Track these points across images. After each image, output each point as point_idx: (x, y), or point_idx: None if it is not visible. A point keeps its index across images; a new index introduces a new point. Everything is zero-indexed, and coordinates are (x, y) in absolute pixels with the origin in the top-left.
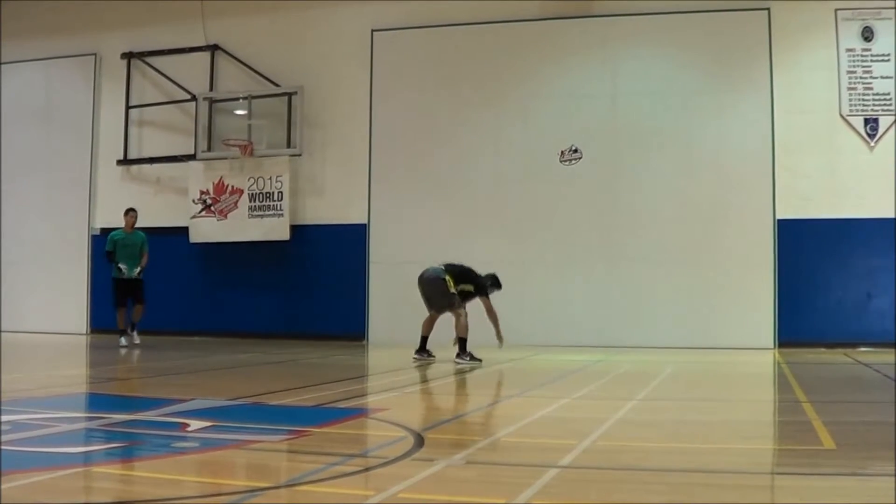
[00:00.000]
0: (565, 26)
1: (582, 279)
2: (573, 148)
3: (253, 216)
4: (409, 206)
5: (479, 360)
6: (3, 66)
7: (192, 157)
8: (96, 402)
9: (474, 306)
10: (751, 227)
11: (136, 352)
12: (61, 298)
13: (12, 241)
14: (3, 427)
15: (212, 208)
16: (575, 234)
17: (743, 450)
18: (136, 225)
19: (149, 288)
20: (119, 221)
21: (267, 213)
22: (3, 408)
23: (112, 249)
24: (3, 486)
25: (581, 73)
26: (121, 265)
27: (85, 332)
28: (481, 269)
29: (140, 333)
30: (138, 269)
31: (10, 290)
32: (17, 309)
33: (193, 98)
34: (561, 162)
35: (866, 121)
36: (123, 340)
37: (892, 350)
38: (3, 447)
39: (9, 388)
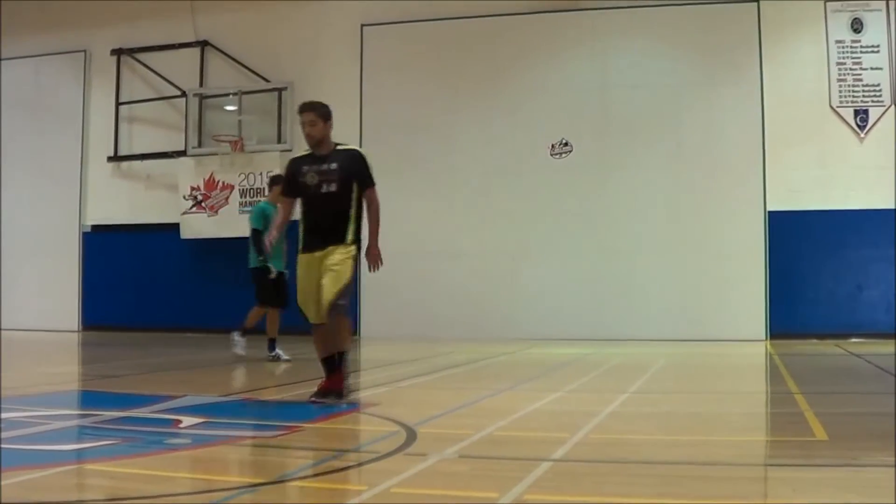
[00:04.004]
0: (555, 20)
1: (573, 272)
2: (563, 141)
3: (244, 212)
4: (400, 201)
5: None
6: None
7: (182, 153)
8: (88, 398)
9: None
10: (742, 220)
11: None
12: (52, 295)
13: (3, 238)
14: None
15: (202, 204)
16: (566, 228)
17: (735, 442)
18: (131, 220)
19: (141, 284)
20: (112, 218)
21: None
22: None
23: (263, 227)
24: None
25: (571, 66)
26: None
27: (77, 329)
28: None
29: (131, 330)
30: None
31: (2, 288)
32: (8, 306)
33: (183, 94)
34: (551, 155)
35: (856, 112)
36: (281, 353)
37: (883, 340)
38: None
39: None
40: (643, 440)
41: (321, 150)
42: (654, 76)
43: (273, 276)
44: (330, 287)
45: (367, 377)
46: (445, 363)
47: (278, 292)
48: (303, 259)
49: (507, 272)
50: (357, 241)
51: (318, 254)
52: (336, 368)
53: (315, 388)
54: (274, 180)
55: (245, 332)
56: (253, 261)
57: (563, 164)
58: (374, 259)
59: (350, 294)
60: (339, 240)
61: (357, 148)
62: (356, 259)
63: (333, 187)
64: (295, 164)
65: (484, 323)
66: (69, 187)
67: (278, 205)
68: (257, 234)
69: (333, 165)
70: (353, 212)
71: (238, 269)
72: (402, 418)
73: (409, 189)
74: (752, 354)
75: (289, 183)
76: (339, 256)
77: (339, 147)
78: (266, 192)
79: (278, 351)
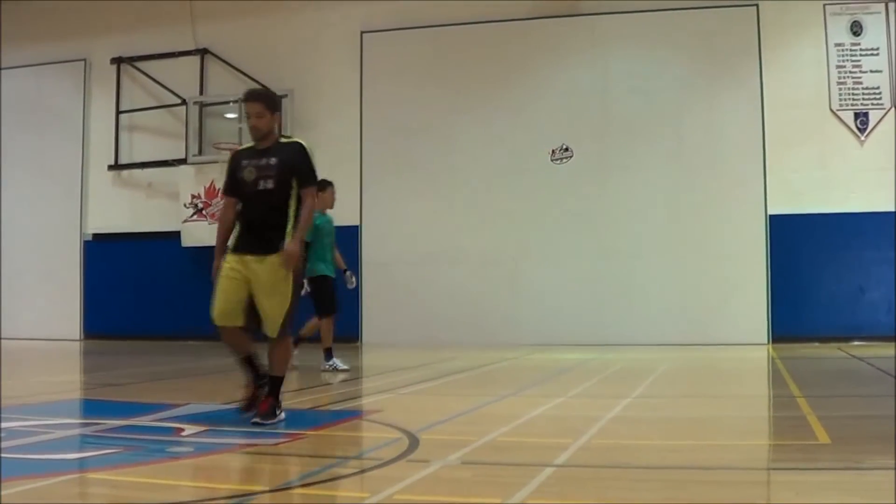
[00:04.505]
0: (555, 25)
1: (575, 277)
2: (564, 147)
3: None
4: (401, 207)
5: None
6: None
7: (183, 161)
8: (90, 407)
9: None
10: (743, 223)
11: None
12: (54, 304)
13: (4, 246)
14: None
15: (203, 212)
16: (567, 232)
17: (738, 446)
18: (132, 228)
19: (142, 292)
20: (113, 226)
21: None
22: None
23: (312, 237)
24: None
25: (572, 71)
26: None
27: (78, 338)
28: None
29: (132, 339)
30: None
31: (3, 297)
32: (8, 315)
33: (184, 102)
34: (552, 161)
35: (856, 115)
36: (339, 363)
37: (885, 343)
38: None
39: (3, 394)
40: (646, 445)
41: (265, 143)
42: (655, 80)
43: (304, 291)
44: (278, 309)
45: (369, 384)
46: (447, 369)
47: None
48: (231, 260)
49: (508, 276)
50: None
51: (250, 258)
52: (269, 393)
53: (245, 400)
54: (319, 186)
55: (330, 353)
56: (310, 271)
57: (564, 169)
58: (288, 257)
59: (293, 313)
60: (275, 248)
61: (300, 141)
62: (301, 272)
63: (270, 184)
64: (235, 159)
65: (485, 326)
66: (70, 196)
67: (323, 210)
68: (306, 244)
69: (273, 160)
70: (292, 212)
71: None
72: (404, 425)
73: (409, 193)
74: (753, 358)
75: (231, 178)
76: (279, 274)
77: (282, 140)
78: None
79: (335, 360)
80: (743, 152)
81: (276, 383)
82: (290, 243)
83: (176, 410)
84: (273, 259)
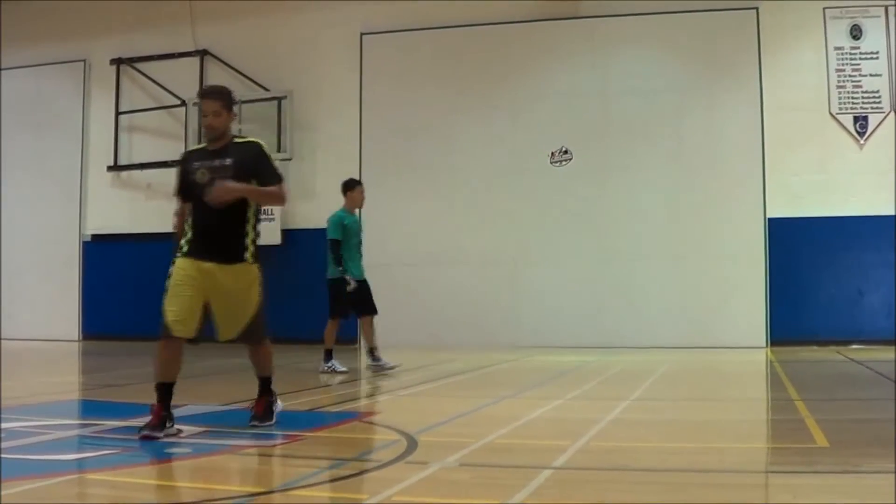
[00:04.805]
0: (554, 28)
1: (574, 279)
2: (563, 149)
3: None
4: (401, 209)
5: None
6: None
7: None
8: (89, 408)
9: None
10: (742, 226)
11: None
12: (53, 305)
13: (3, 247)
14: None
15: None
16: (567, 234)
17: (736, 449)
18: (131, 229)
19: (141, 293)
20: (112, 227)
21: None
22: None
23: (342, 238)
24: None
25: (571, 74)
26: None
27: (77, 338)
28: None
29: (131, 340)
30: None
31: (2, 297)
32: (8, 315)
33: (183, 103)
34: (551, 163)
35: (856, 118)
36: (337, 365)
37: (884, 347)
38: None
39: (3, 395)
40: (644, 447)
41: (218, 143)
42: (654, 83)
43: (352, 287)
44: (243, 316)
45: (368, 385)
46: (446, 371)
47: (363, 300)
48: (186, 263)
49: (508, 277)
50: (258, 259)
51: (210, 266)
52: (260, 394)
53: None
54: (347, 185)
55: (329, 355)
56: (331, 272)
57: (564, 171)
58: (223, 188)
59: (264, 315)
60: (237, 257)
61: (257, 140)
62: (262, 277)
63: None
64: (187, 159)
65: (484, 328)
66: (69, 196)
67: (352, 210)
68: (336, 244)
69: (228, 161)
70: (249, 218)
71: None
72: (402, 426)
73: (408, 194)
74: (752, 361)
75: (182, 179)
76: (240, 280)
77: (236, 140)
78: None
79: (383, 360)
80: (742, 155)
81: (266, 383)
82: (237, 187)
83: (174, 411)
84: (239, 268)
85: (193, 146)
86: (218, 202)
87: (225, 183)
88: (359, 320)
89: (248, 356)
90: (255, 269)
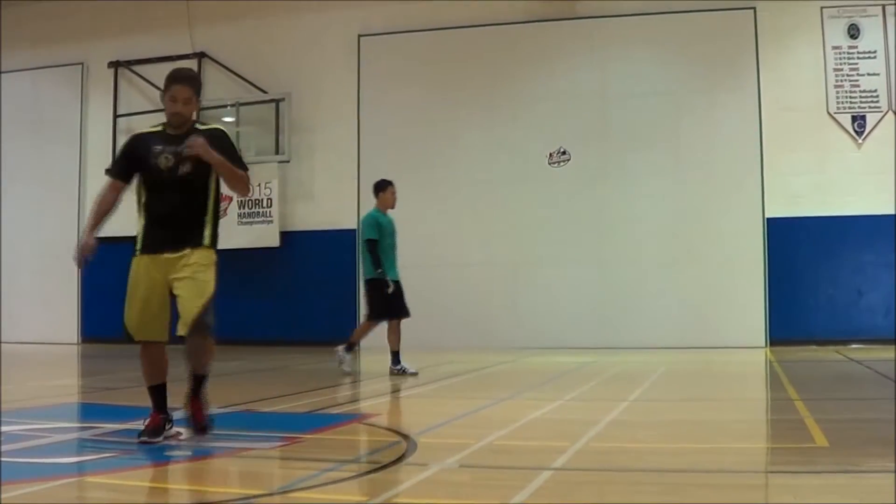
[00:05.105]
0: (552, 29)
1: (573, 279)
2: (561, 150)
3: (242, 223)
4: (399, 211)
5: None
6: None
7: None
8: (88, 411)
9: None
10: (741, 226)
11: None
12: (52, 307)
13: (2, 250)
14: None
15: None
16: (565, 236)
17: (736, 449)
18: (130, 232)
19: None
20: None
21: (256, 219)
22: None
23: (378, 237)
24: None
25: (569, 74)
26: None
27: (76, 341)
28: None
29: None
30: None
31: (2, 300)
32: (7, 319)
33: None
34: (549, 164)
35: (854, 118)
36: (407, 367)
37: (883, 346)
38: None
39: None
40: (644, 448)
41: (181, 129)
42: (653, 84)
43: (391, 288)
44: (194, 299)
45: (368, 387)
46: (446, 372)
47: (398, 303)
48: (143, 261)
49: (507, 279)
50: (215, 244)
51: (166, 256)
52: (194, 395)
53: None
54: (379, 186)
55: (351, 348)
56: (368, 272)
57: (563, 172)
58: (202, 143)
59: (213, 309)
60: (195, 241)
61: (220, 127)
62: (218, 266)
63: (188, 167)
64: (142, 142)
65: (483, 329)
66: (68, 199)
67: (384, 210)
68: (372, 244)
69: (181, 159)
70: (211, 204)
71: (235, 280)
72: (402, 428)
73: (407, 196)
74: (751, 361)
75: (130, 162)
76: (197, 261)
77: (199, 126)
78: (263, 205)
79: (404, 364)
80: (741, 155)
81: (199, 383)
82: (209, 149)
83: (173, 414)
84: (197, 252)
85: (145, 128)
86: (194, 152)
87: (199, 139)
88: (387, 322)
89: (185, 353)
90: (213, 255)
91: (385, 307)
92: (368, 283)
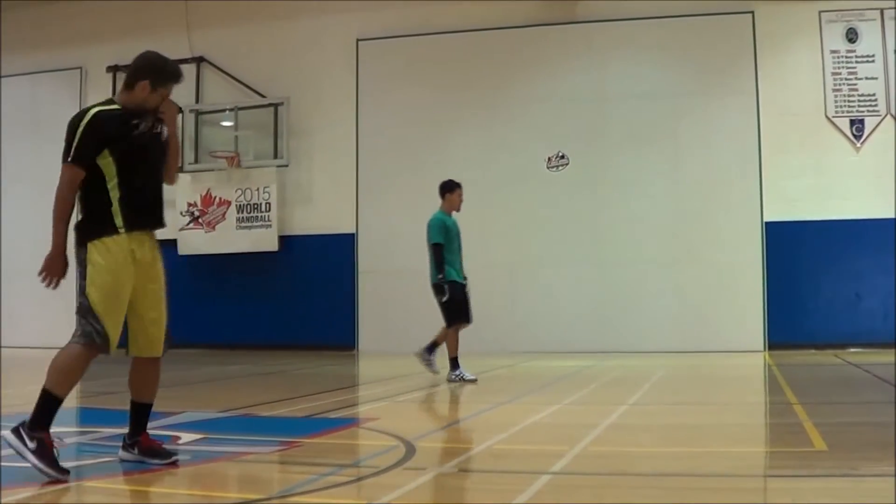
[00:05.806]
0: (552, 33)
1: (571, 283)
2: (560, 154)
3: (241, 227)
4: (398, 215)
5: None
6: None
7: (178, 170)
8: (87, 416)
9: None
10: (739, 230)
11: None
12: (51, 312)
13: (2, 254)
14: None
15: (200, 220)
16: (563, 240)
17: (735, 453)
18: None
19: None
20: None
21: (255, 224)
22: None
23: (445, 241)
24: None
25: (567, 78)
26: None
27: None
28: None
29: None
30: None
31: (2, 304)
32: (7, 323)
33: (179, 110)
34: (548, 168)
35: (852, 122)
36: (467, 374)
37: (882, 350)
38: None
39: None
40: (642, 452)
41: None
42: (651, 88)
43: (446, 297)
44: (163, 320)
45: (366, 392)
46: (444, 376)
47: (463, 307)
48: (124, 242)
49: (506, 284)
50: None
51: (145, 237)
52: (144, 427)
53: (129, 443)
54: (446, 187)
55: (456, 363)
56: (434, 277)
57: (561, 176)
58: (174, 106)
59: None
60: (163, 220)
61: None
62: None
63: (165, 139)
64: (112, 119)
65: (482, 334)
66: None
67: (450, 212)
68: (439, 248)
69: (159, 128)
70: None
71: (234, 285)
72: (401, 432)
73: (405, 200)
74: (750, 365)
75: (102, 143)
76: (162, 269)
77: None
78: (261, 209)
79: (462, 371)
80: (739, 159)
81: (148, 413)
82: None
83: (172, 418)
84: (159, 250)
85: (100, 107)
86: (171, 113)
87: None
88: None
89: (131, 375)
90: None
91: (457, 311)
92: (434, 287)
